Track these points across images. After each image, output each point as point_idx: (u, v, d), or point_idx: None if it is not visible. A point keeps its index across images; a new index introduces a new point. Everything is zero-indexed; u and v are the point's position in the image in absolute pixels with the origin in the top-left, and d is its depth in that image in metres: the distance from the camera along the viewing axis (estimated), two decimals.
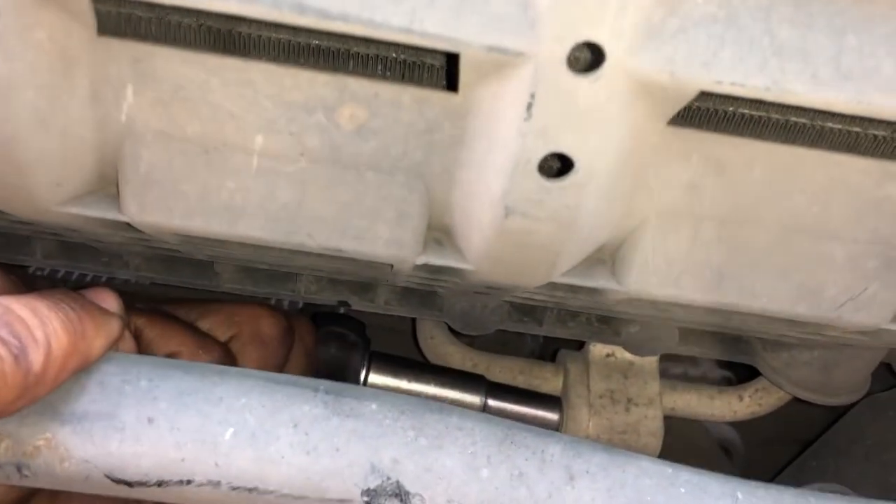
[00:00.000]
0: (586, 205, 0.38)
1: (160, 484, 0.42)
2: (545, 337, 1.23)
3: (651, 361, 0.75)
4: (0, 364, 0.34)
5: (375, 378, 0.73)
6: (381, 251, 0.42)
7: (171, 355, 0.54)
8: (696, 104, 0.37)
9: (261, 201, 0.40)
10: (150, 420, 0.42)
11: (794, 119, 0.37)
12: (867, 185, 0.40)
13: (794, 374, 0.68)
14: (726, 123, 0.38)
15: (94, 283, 0.71)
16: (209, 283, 0.62)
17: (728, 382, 0.98)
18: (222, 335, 0.58)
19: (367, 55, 0.36)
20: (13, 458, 0.40)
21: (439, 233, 0.44)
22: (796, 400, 0.81)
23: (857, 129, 0.37)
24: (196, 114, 0.38)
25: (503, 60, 0.32)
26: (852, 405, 0.73)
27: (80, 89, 0.37)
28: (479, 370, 0.79)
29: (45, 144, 0.37)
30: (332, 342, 0.72)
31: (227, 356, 0.57)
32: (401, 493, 0.42)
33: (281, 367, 0.62)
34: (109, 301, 0.46)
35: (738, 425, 1.18)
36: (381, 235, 0.41)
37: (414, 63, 0.37)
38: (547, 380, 0.79)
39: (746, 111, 0.37)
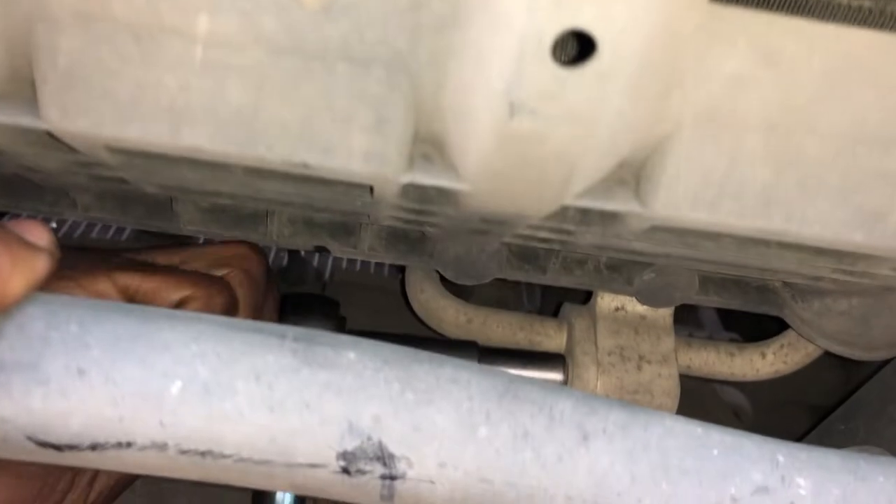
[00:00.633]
0: (611, 101, 0.31)
1: (94, 447, 0.36)
2: (544, 295, 1.17)
3: (665, 315, 0.69)
4: None
5: None
6: (357, 167, 0.35)
7: (182, 302, 0.48)
8: None
9: (208, 103, 0.33)
10: (81, 371, 0.35)
11: None
12: None
13: (827, 325, 0.61)
14: (781, 1, 0.31)
15: None
16: (168, 224, 0.54)
17: None
18: None
19: None
20: None
21: (428, 146, 0.37)
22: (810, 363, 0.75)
23: None
24: None
25: None
26: (884, 363, 0.67)
27: None
28: (475, 325, 0.72)
29: None
30: (302, 320, 0.65)
31: (235, 299, 0.52)
32: (384, 456, 0.35)
33: (260, 312, 0.55)
34: (37, 233, 0.39)
35: (746, 389, 1.13)
36: (357, 146, 0.34)
37: None
38: (549, 336, 0.72)
39: None
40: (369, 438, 0.36)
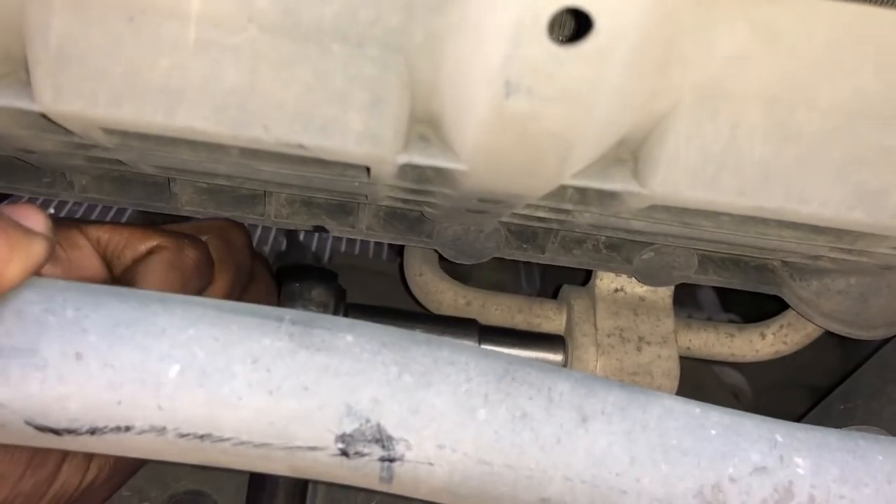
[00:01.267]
0: (608, 79, 0.30)
1: (93, 431, 0.36)
2: (543, 279, 1.16)
3: (664, 296, 0.68)
4: None
5: None
6: (353, 147, 0.34)
7: (151, 252, 0.48)
8: None
9: (203, 83, 0.33)
10: (78, 356, 0.35)
11: None
12: None
13: (826, 304, 0.61)
14: None
15: None
16: (166, 205, 0.54)
17: None
18: None
19: None
20: None
21: (425, 126, 0.36)
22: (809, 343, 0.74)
23: None
24: None
25: None
26: (883, 343, 0.66)
27: None
28: (474, 308, 0.72)
29: None
30: (300, 296, 0.64)
31: (209, 256, 0.51)
32: (382, 439, 0.35)
33: (247, 284, 0.55)
34: (33, 218, 0.39)
35: (746, 371, 1.13)
36: (353, 126, 0.34)
37: None
38: (549, 318, 0.72)
39: None
40: (368, 421, 0.35)
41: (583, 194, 0.40)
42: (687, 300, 1.23)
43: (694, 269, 0.58)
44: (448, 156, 0.36)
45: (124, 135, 0.37)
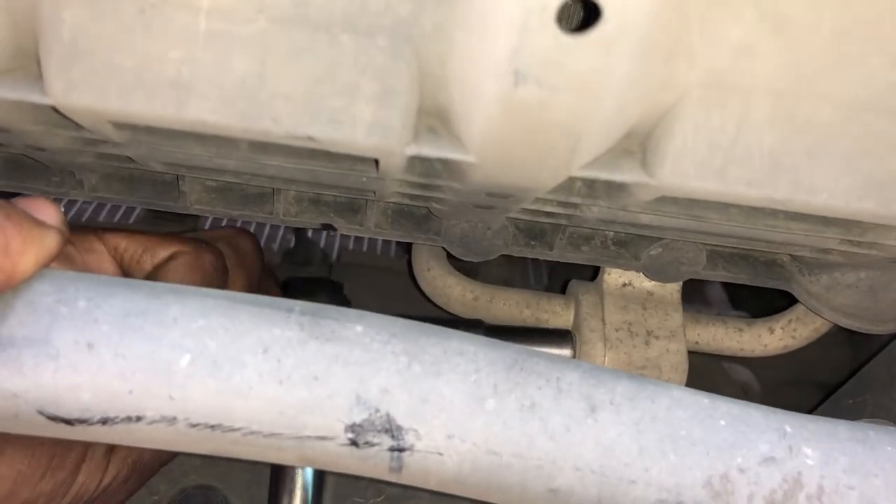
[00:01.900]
0: (616, 68, 0.30)
1: (105, 421, 0.36)
2: (550, 276, 1.16)
3: (672, 291, 0.68)
4: None
5: None
6: (363, 139, 0.34)
7: (172, 257, 0.49)
8: None
9: (213, 75, 0.33)
10: (90, 346, 0.35)
11: None
12: None
13: (835, 299, 0.61)
14: None
15: None
16: (175, 203, 0.54)
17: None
18: None
19: None
20: None
21: (433, 118, 0.36)
22: (817, 339, 0.74)
23: None
24: None
25: None
26: (892, 337, 0.66)
27: None
28: (481, 303, 0.72)
29: None
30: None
31: (224, 261, 0.52)
32: (392, 429, 0.35)
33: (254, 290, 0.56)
34: (46, 211, 0.39)
35: (753, 367, 1.13)
36: (362, 117, 0.34)
37: None
38: (557, 314, 0.72)
39: None
40: (377, 411, 0.35)
41: (591, 187, 0.40)
42: (696, 298, 1.23)
43: (702, 265, 0.58)
44: (456, 147, 0.36)
45: (134, 129, 0.38)
